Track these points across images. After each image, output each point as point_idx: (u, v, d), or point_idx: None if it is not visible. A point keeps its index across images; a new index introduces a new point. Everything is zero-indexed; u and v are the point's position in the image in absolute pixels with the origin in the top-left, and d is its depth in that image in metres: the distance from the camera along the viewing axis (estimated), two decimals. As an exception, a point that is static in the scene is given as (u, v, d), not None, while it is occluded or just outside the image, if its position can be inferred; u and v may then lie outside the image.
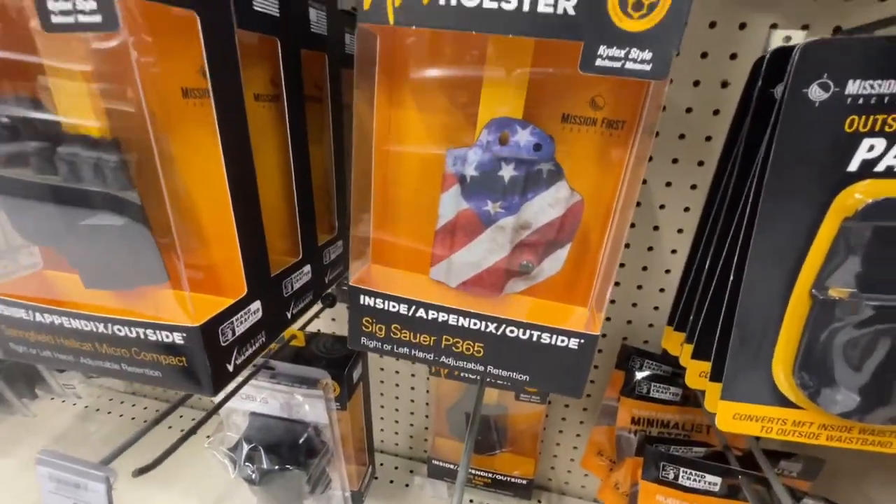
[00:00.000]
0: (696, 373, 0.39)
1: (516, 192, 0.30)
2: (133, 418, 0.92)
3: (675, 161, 0.55)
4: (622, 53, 0.23)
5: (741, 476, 0.44)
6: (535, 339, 0.31)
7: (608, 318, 0.66)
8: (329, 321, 0.78)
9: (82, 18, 0.20)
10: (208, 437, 0.58)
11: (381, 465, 0.85)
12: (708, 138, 0.53)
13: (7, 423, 0.73)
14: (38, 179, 0.27)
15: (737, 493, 0.46)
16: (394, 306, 0.32)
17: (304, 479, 0.56)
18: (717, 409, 0.35)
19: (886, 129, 0.27)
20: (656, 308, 0.64)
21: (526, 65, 0.28)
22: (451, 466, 0.75)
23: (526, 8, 0.24)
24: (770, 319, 0.32)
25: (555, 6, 0.23)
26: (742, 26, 0.48)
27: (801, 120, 0.28)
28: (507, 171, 0.30)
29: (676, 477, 0.46)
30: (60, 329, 0.29)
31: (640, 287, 0.63)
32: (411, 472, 0.84)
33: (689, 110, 0.52)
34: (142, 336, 0.28)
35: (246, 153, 0.30)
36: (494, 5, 0.24)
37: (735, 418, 0.35)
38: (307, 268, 0.40)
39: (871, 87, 0.26)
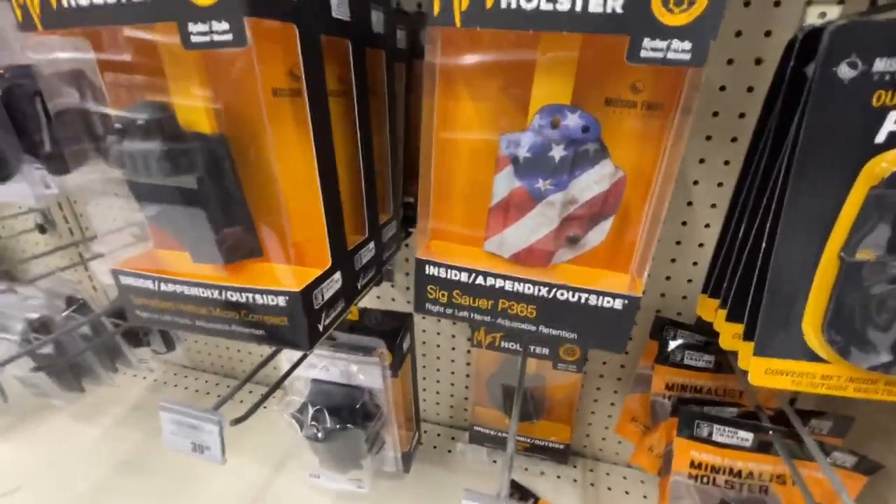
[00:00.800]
0: (730, 335, 0.42)
1: (565, 170, 0.34)
2: (196, 391, 1.01)
3: (708, 138, 0.57)
4: (664, 45, 0.27)
5: (772, 431, 0.47)
6: (583, 300, 0.35)
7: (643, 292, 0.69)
8: (374, 299, 0.84)
9: (216, 38, 0.25)
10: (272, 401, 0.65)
11: (426, 432, 0.91)
12: (741, 115, 0.55)
13: (94, 393, 0.82)
14: (160, 170, 0.33)
15: (768, 447, 0.49)
16: (455, 275, 0.37)
17: (363, 438, 0.62)
18: (750, 366, 0.38)
19: (912, 102, 0.29)
20: (689, 281, 0.66)
21: (573, 59, 0.31)
22: (491, 433, 0.81)
23: (578, 8, 0.27)
24: (800, 281, 0.35)
25: (604, 5, 0.27)
26: (777, 4, 0.49)
27: (831, 97, 0.30)
28: (558, 152, 0.33)
29: (710, 434, 0.50)
30: (181, 296, 0.35)
31: (673, 261, 0.65)
32: (453, 438, 0.90)
33: (722, 88, 0.54)
34: (251, 300, 0.33)
35: (329, 143, 0.34)
36: (550, 7, 0.27)
37: (767, 373, 0.38)
38: (371, 244, 0.45)
39: (898, 64, 0.29)
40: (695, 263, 0.65)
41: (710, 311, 0.48)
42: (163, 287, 0.35)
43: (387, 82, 0.46)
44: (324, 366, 0.62)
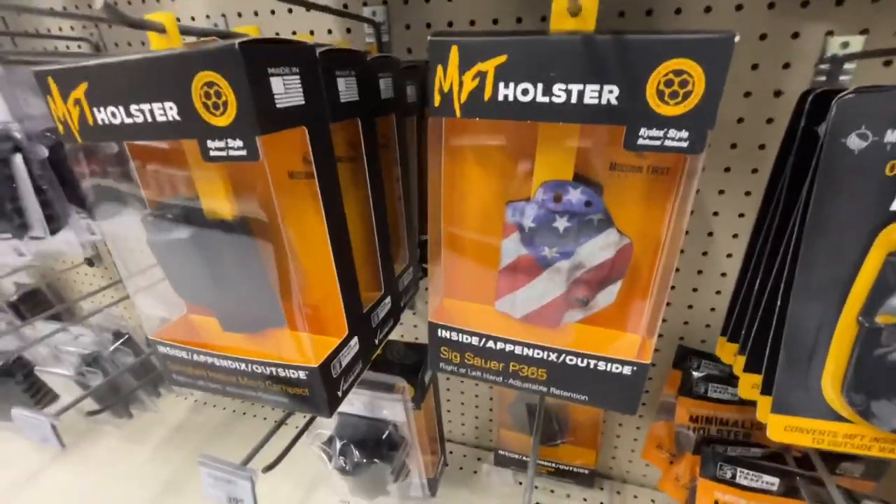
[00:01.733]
0: (749, 385, 0.42)
1: (570, 239, 0.35)
2: (234, 410, 1.06)
3: (727, 170, 0.56)
4: (661, 133, 0.27)
5: (799, 478, 0.46)
6: (591, 366, 0.35)
7: (665, 320, 0.68)
8: (399, 327, 0.86)
9: (232, 153, 0.27)
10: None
11: (451, 453, 0.93)
12: (761, 146, 0.53)
13: (140, 418, 0.88)
14: (190, 254, 0.35)
15: (796, 493, 0.48)
16: (466, 338, 0.38)
17: (388, 470, 0.64)
18: (769, 422, 0.38)
19: (928, 172, 0.28)
20: (713, 309, 0.65)
21: (574, 136, 0.32)
22: (516, 456, 0.82)
23: (574, 100, 0.28)
24: (818, 341, 0.35)
25: (599, 98, 0.27)
26: (795, 35, 0.48)
27: (842, 166, 0.30)
28: (562, 223, 0.34)
29: (734, 476, 0.49)
30: (211, 366, 0.37)
31: (695, 290, 0.64)
32: (479, 459, 0.91)
33: (740, 120, 0.53)
34: (273, 373, 0.35)
35: (341, 219, 0.36)
36: (546, 99, 0.28)
37: (786, 430, 0.38)
38: (388, 299, 0.46)
39: (911, 135, 0.28)
40: (718, 292, 0.64)
41: (729, 355, 0.47)
42: (195, 357, 0.38)
43: (397, 135, 0.48)
44: (348, 399, 0.65)
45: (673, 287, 0.65)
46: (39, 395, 0.92)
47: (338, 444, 0.63)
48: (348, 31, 0.62)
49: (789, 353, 0.36)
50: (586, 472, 0.78)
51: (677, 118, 0.26)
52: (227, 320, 0.39)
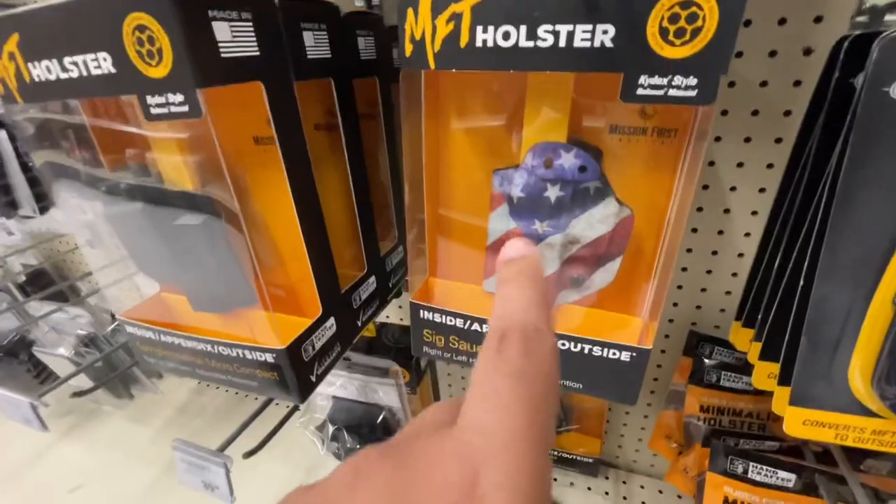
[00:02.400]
0: (765, 374, 0.38)
1: (563, 211, 0.31)
2: (236, 392, 1.06)
3: (747, 140, 0.51)
4: (665, 81, 0.23)
5: (818, 474, 0.42)
6: (586, 351, 0.32)
7: (675, 304, 0.64)
8: (396, 309, 0.83)
9: (173, 109, 0.24)
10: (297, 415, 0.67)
11: (453, 438, 0.91)
12: (787, 112, 0.48)
13: (142, 399, 0.88)
14: (151, 229, 0.33)
15: (814, 489, 0.44)
16: (450, 320, 0.35)
17: (383, 455, 0.62)
18: (786, 415, 0.34)
19: None
20: (728, 293, 0.60)
21: (567, 90, 0.28)
22: (518, 443, 0.79)
23: (562, 44, 0.24)
24: (846, 327, 0.30)
25: (591, 40, 0.23)
26: (829, -16, 0.42)
27: (882, 119, 0.25)
28: (553, 192, 0.30)
29: (746, 471, 0.46)
30: (179, 347, 0.35)
31: (709, 272, 0.60)
32: (481, 445, 0.89)
33: (763, 84, 0.48)
34: (240, 355, 0.33)
35: (310, 189, 0.33)
36: (530, 44, 0.24)
37: (805, 424, 0.34)
38: (372, 279, 0.43)
39: (970, 81, 0.23)
40: (734, 274, 0.59)
41: (745, 341, 0.43)
42: (163, 338, 0.36)
43: (384, 104, 0.44)
44: (341, 383, 0.63)
45: (685, 269, 0.61)
46: (42, 374, 0.92)
47: (330, 429, 0.61)
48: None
49: (811, 340, 0.31)
50: (590, 460, 0.75)
51: (684, 61, 0.22)
52: (196, 299, 0.36)
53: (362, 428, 0.62)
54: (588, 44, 0.23)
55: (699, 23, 0.22)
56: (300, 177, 0.31)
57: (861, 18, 0.42)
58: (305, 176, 0.32)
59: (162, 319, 0.37)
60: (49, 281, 1.12)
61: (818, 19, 0.44)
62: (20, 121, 0.32)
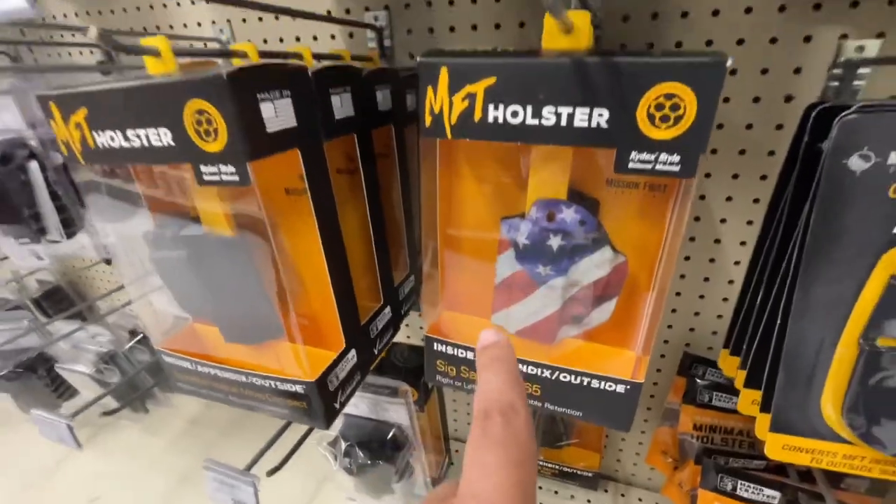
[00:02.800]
0: (749, 400, 0.42)
1: (564, 257, 0.34)
2: (247, 405, 1.09)
3: (735, 176, 0.54)
4: (652, 157, 0.27)
5: (800, 492, 0.45)
6: (585, 383, 0.35)
7: (670, 326, 0.67)
8: (403, 327, 0.86)
9: (224, 178, 0.28)
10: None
11: (457, 451, 0.94)
12: (771, 153, 0.52)
13: (156, 412, 0.91)
14: (192, 270, 0.36)
15: (798, 505, 0.48)
16: (461, 352, 0.38)
17: (392, 470, 0.65)
18: (767, 439, 0.37)
19: (934, 194, 0.27)
20: (719, 317, 0.64)
21: (568, 156, 0.32)
22: (521, 456, 0.82)
23: (563, 123, 0.27)
24: (818, 362, 0.34)
25: (589, 121, 0.27)
26: (807, 39, 0.46)
27: (843, 187, 0.29)
28: (555, 241, 0.34)
29: (734, 488, 0.49)
30: (214, 377, 0.39)
31: (702, 297, 0.63)
32: (484, 458, 0.92)
33: (749, 126, 0.51)
34: (272, 386, 0.36)
35: (337, 235, 0.36)
36: (536, 122, 0.28)
37: (784, 448, 0.37)
38: (387, 309, 0.47)
39: (916, 157, 0.27)
40: (725, 299, 0.62)
41: (731, 368, 0.46)
42: (199, 368, 0.39)
43: (396, 144, 0.48)
44: (354, 402, 0.66)
45: (679, 294, 0.64)
46: (60, 389, 0.95)
47: (343, 445, 0.64)
48: (350, 35, 0.62)
49: (788, 373, 0.35)
50: (590, 474, 0.78)
51: (668, 142, 0.26)
52: (229, 332, 0.40)
53: (373, 444, 0.65)
54: (586, 124, 0.27)
55: (681, 111, 0.25)
56: (328, 223, 0.35)
57: (836, 71, 0.46)
58: (332, 221, 0.36)
59: (195, 350, 0.41)
60: (64, 296, 1.16)
61: (797, 70, 0.48)
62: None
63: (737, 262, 0.59)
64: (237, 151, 0.27)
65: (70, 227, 0.69)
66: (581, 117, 0.27)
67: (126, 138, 0.29)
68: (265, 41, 0.67)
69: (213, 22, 0.68)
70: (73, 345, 0.84)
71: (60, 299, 1.15)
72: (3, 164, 0.61)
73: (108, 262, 1.08)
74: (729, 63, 0.24)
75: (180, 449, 0.96)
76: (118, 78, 0.29)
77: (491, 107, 0.28)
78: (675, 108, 0.25)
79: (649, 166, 0.27)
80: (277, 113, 0.28)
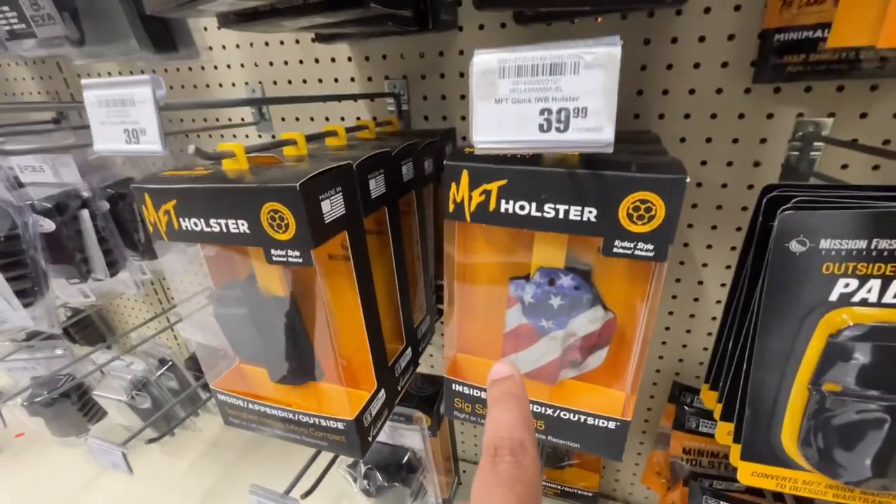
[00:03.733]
0: (724, 431, 0.48)
1: (563, 313, 0.41)
2: (263, 427, 1.15)
3: (714, 227, 0.61)
4: (632, 245, 0.33)
5: (774, 512, 0.52)
6: (581, 420, 0.42)
7: (660, 357, 0.74)
8: (415, 354, 0.93)
9: (290, 260, 0.35)
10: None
11: (465, 472, 0.99)
12: (744, 208, 0.59)
13: (181, 435, 0.97)
14: (249, 324, 0.43)
15: (773, 524, 0.54)
16: (476, 392, 0.45)
17: (408, 492, 0.71)
18: (739, 466, 0.44)
19: (857, 272, 0.34)
20: (705, 349, 0.70)
21: (565, 238, 0.39)
22: (525, 477, 0.88)
23: (561, 216, 0.34)
24: (776, 403, 0.40)
25: (581, 216, 0.34)
26: (769, 116, 0.54)
27: (786, 264, 0.36)
28: (556, 301, 0.41)
29: (718, 509, 0.55)
30: (265, 414, 0.45)
31: (688, 331, 0.70)
32: (490, 478, 0.97)
33: (724, 185, 0.59)
34: (316, 422, 0.43)
35: (372, 294, 0.43)
36: (539, 214, 0.35)
37: (753, 475, 0.43)
38: (409, 350, 0.54)
39: (839, 244, 0.34)
40: (709, 334, 0.69)
41: (711, 401, 0.53)
42: (250, 406, 0.45)
43: (417, 204, 0.55)
44: (372, 428, 0.72)
45: (668, 328, 0.71)
46: (91, 413, 1.01)
47: (362, 469, 0.70)
48: (372, 99, 0.70)
49: (753, 410, 0.41)
50: (590, 494, 0.84)
51: (644, 234, 0.33)
52: (276, 374, 0.46)
53: (390, 467, 0.71)
54: (579, 218, 0.34)
55: (653, 212, 0.32)
56: (365, 283, 0.42)
57: (796, 143, 0.53)
58: (368, 281, 0.43)
59: (242, 388, 0.47)
60: (90, 324, 1.22)
61: (763, 140, 0.55)
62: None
63: (718, 301, 0.66)
64: (304, 241, 0.34)
65: (113, 267, 0.76)
66: (575, 213, 0.34)
67: (208, 225, 0.36)
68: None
69: (247, 83, 0.76)
70: (107, 372, 0.90)
71: (87, 326, 1.21)
72: (60, 214, 0.68)
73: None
74: (687, 180, 0.31)
75: (202, 470, 1.02)
76: (204, 178, 0.37)
77: (503, 201, 0.35)
78: (648, 210, 0.32)
79: (630, 252, 0.34)
80: (332, 206, 0.36)
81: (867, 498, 0.41)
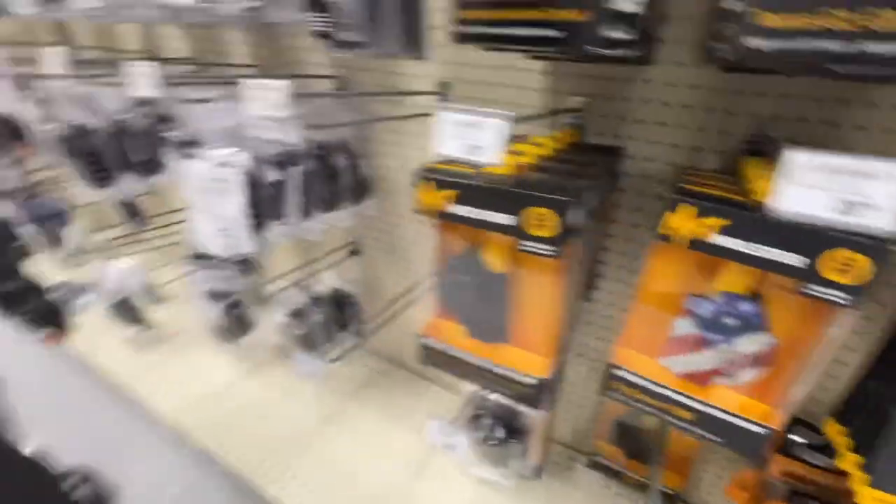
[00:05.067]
0: (853, 462, 0.54)
1: (731, 332, 0.50)
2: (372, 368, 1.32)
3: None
4: (828, 290, 0.41)
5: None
6: (727, 420, 0.50)
7: (772, 386, 0.79)
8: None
9: (541, 251, 0.46)
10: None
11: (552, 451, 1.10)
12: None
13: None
14: (470, 289, 0.55)
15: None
16: (641, 381, 0.55)
17: (520, 449, 0.83)
18: (861, 492, 0.51)
19: None
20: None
21: (756, 273, 0.47)
22: (606, 463, 0.98)
23: (768, 257, 0.42)
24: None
25: (785, 259, 0.42)
26: None
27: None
28: (730, 321, 0.49)
29: (815, 526, 0.61)
30: (462, 361, 0.58)
31: (809, 368, 0.75)
32: (570, 459, 1.08)
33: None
34: (507, 375, 0.55)
35: (573, 283, 0.54)
36: (748, 252, 0.43)
37: (874, 500, 0.50)
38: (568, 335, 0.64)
39: None
40: (830, 376, 0.74)
41: (836, 434, 0.59)
42: (449, 352, 0.58)
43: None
44: (497, 390, 0.85)
45: (788, 361, 0.76)
46: (243, 326, 1.24)
47: (488, 421, 0.83)
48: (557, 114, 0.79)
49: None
50: (671, 493, 0.92)
51: (845, 285, 0.40)
52: (475, 331, 0.59)
53: (506, 424, 0.84)
54: (782, 260, 0.42)
55: (856, 268, 0.40)
56: (571, 275, 0.53)
57: None
58: (574, 273, 0.53)
59: (443, 337, 0.60)
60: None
61: None
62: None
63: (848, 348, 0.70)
64: (559, 239, 0.45)
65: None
66: (779, 256, 0.42)
67: (478, 213, 0.48)
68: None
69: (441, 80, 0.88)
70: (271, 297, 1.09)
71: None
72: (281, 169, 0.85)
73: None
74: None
75: (327, 390, 1.22)
76: (480, 176, 0.48)
77: (725, 236, 0.44)
78: (849, 264, 0.40)
79: (826, 297, 0.41)
80: (576, 216, 0.46)
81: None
